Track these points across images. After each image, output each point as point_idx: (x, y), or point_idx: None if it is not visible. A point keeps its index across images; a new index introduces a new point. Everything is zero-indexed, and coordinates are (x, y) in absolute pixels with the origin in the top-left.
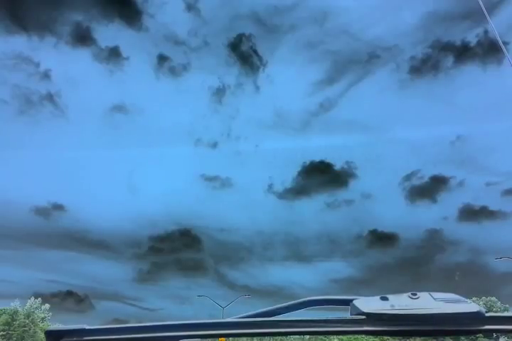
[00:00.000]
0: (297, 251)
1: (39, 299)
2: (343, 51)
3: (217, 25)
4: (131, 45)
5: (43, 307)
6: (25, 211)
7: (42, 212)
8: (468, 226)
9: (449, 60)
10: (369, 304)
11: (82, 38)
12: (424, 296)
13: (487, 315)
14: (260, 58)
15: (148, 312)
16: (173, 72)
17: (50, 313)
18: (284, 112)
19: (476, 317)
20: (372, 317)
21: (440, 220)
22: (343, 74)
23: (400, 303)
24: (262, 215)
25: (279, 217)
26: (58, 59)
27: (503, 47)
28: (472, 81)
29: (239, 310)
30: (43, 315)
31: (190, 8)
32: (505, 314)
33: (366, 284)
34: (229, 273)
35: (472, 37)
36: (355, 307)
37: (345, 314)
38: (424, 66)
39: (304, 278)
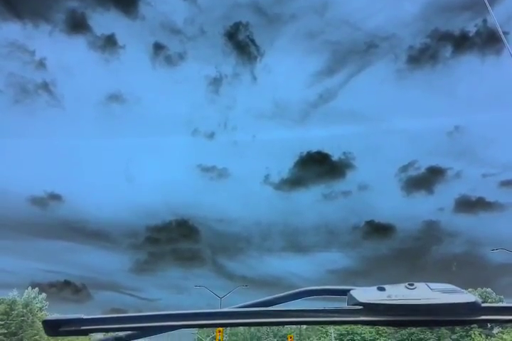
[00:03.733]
0: (295, 241)
1: (36, 289)
2: (343, 41)
3: (214, 13)
4: (127, 34)
5: (40, 296)
6: (22, 201)
7: (39, 202)
8: (465, 217)
9: (448, 51)
10: (366, 294)
11: (78, 26)
12: (420, 286)
13: (483, 305)
14: (258, 48)
15: (147, 302)
16: (170, 61)
17: (47, 303)
18: (282, 103)
19: (473, 307)
20: (369, 308)
21: (437, 211)
22: (343, 64)
23: (397, 293)
24: (260, 206)
25: (277, 207)
26: (53, 47)
27: (503, 36)
28: (471, 71)
29: (236, 300)
30: (40, 305)
31: None
32: (501, 304)
33: (363, 275)
34: (227, 263)
35: (471, 27)
36: (352, 298)
37: (343, 304)
38: (423, 56)
39: (301, 268)
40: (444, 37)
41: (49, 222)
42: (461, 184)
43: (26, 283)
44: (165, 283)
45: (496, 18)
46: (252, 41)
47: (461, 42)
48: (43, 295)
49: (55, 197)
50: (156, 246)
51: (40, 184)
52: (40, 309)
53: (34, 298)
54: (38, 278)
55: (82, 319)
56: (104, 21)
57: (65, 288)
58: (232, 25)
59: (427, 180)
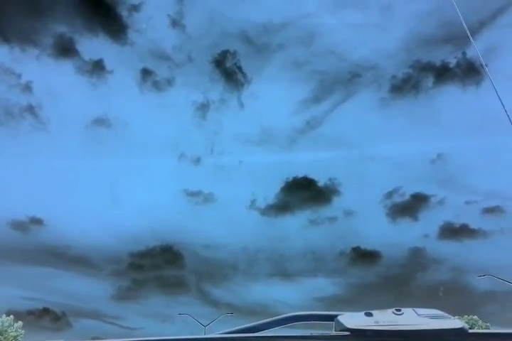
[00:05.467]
0: (282, 268)
1: (11, 316)
2: (329, 71)
3: (202, 42)
4: (115, 59)
5: (16, 325)
6: (2, 225)
7: (19, 226)
8: (450, 244)
9: (430, 81)
10: (353, 320)
11: (66, 50)
12: (408, 312)
13: (470, 331)
14: (245, 75)
15: (129, 332)
16: (158, 86)
17: (23, 331)
18: (269, 129)
19: (460, 333)
20: (357, 333)
21: (422, 238)
22: (329, 93)
23: (384, 319)
24: (246, 231)
25: (263, 233)
26: (41, 71)
27: (485, 67)
28: (452, 101)
29: (221, 328)
30: (14, 333)
31: (176, 24)
32: (488, 330)
33: (351, 302)
34: (212, 290)
35: (451, 59)
36: (339, 323)
37: (330, 330)
38: (406, 86)
39: (288, 295)
40: (425, 67)
41: (29, 247)
42: (444, 211)
43: (3, 310)
44: (148, 311)
45: (474, 51)
46: (240, 69)
47: (442, 73)
48: (19, 323)
49: (36, 221)
50: (139, 273)
51: (22, 208)
52: (15, 338)
53: (9, 326)
54: (15, 305)
55: None
56: (93, 46)
57: (44, 316)
58: (220, 53)
59: (411, 206)
